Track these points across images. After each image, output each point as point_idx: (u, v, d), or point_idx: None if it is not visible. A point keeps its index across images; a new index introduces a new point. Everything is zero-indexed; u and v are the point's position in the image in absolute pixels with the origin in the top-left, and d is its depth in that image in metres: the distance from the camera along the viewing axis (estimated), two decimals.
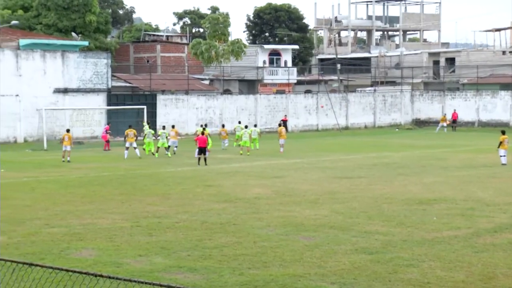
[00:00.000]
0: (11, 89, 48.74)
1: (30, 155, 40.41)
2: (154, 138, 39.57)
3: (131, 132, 38.90)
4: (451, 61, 76.61)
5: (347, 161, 35.45)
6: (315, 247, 15.42)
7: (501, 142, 33.29)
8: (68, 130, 38.24)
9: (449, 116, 63.74)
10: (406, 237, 16.44)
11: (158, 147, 38.75)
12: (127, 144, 38.17)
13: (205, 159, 33.18)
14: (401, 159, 36.21)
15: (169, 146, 38.88)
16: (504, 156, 32.89)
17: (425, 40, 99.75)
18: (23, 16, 63.99)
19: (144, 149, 39.16)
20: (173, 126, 41.95)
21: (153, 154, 38.44)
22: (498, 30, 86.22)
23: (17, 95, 49.19)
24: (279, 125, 45.37)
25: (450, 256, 14.64)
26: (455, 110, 64.80)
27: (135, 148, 38.11)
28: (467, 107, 66.88)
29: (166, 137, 39.87)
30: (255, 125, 49.48)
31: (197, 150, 35.11)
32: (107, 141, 44.02)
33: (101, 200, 22.29)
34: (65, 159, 35.16)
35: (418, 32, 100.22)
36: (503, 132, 34.40)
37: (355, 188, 25.14)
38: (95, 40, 65.16)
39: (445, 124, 60.90)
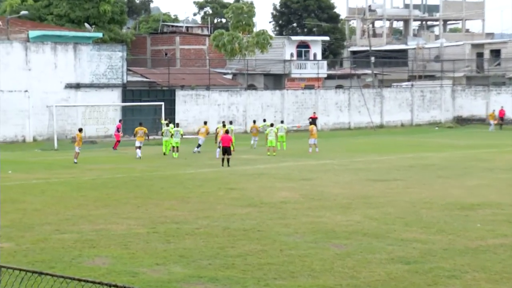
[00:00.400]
0: (19, 84, 49.19)
1: (39, 155, 40.74)
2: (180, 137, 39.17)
3: (141, 130, 39.06)
4: (496, 53, 75.90)
5: (382, 162, 35.25)
6: (347, 256, 15.33)
7: None
8: (80, 130, 38.00)
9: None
10: (447, 246, 16.29)
11: (174, 147, 38.51)
12: (137, 143, 38.36)
13: (228, 160, 33.17)
14: (441, 160, 35.94)
15: (174, 147, 38.31)
16: None
17: (467, 30, 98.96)
18: (33, 6, 64.56)
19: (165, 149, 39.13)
20: (205, 123, 42.62)
21: (170, 153, 38.31)
22: None
23: (26, 91, 49.62)
24: (310, 123, 45.23)
25: (496, 267, 14.46)
26: (502, 107, 64.06)
27: (139, 147, 38.44)
28: None
29: (182, 135, 40.04)
30: (282, 122, 49.21)
31: (218, 150, 35.21)
32: (118, 141, 44.17)
33: (115, 204, 22.37)
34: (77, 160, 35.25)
35: (460, 21, 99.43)
36: None
37: (390, 191, 24.99)
38: (110, 31, 65.53)
39: (493, 122, 60.63)
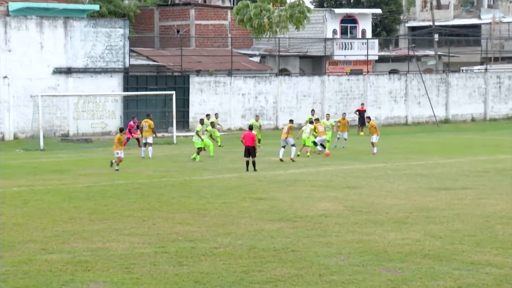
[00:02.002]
0: None
1: (21, 156, 41.12)
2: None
3: (146, 123, 39.44)
4: None
5: (447, 166, 35.11)
6: (403, 283, 15.34)
7: None
8: (121, 130, 36.28)
9: None
10: None
11: (200, 148, 38.11)
12: (143, 140, 38.80)
13: (253, 163, 33.27)
14: None
15: (201, 149, 38.14)
16: None
17: None
18: None
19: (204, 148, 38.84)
20: (291, 121, 41.12)
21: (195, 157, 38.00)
22: None
23: (5, 77, 50.17)
24: (369, 118, 44.71)
25: None
26: None
27: (149, 144, 39.17)
28: None
29: (211, 135, 40.35)
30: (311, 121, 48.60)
31: (282, 150, 36.30)
32: (128, 139, 44.48)
33: (115, 217, 22.52)
34: (113, 166, 34.51)
35: None
36: None
37: (458, 203, 24.91)
38: (109, 3, 65.91)
39: None
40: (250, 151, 33.30)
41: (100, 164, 36.84)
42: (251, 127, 35.52)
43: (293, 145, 37.26)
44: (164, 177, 31.71)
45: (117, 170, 33.63)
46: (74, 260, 17.21)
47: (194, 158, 37.54)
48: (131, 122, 45.03)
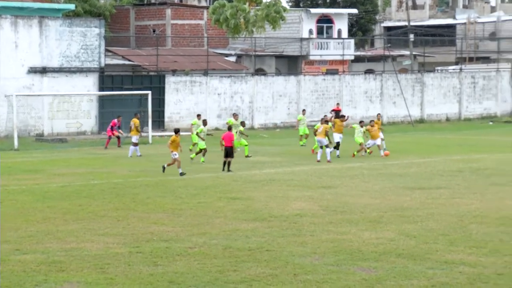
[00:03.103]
0: None
1: None
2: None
3: (132, 123, 40.19)
4: None
5: (422, 165, 35.25)
6: (377, 282, 15.39)
7: None
8: (177, 132, 33.58)
9: None
10: (502, 270, 16.34)
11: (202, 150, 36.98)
12: (132, 139, 39.68)
13: (229, 164, 33.26)
14: (496, 163, 35.94)
15: (201, 150, 37.12)
16: None
17: None
18: None
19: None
20: (325, 122, 39.48)
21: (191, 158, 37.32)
22: None
23: None
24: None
25: None
26: None
27: (133, 144, 39.40)
28: None
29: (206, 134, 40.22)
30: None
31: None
32: (113, 137, 44.53)
33: (90, 218, 22.46)
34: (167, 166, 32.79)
35: None
36: None
37: (432, 202, 25.03)
38: (84, 2, 65.74)
39: None
40: (228, 152, 33.33)
41: (75, 164, 36.71)
42: (230, 128, 35.56)
43: (326, 146, 37.03)
44: (139, 177, 31.65)
45: (182, 173, 31.86)
46: (48, 260, 17.15)
47: (203, 161, 36.76)
48: (115, 120, 45.14)
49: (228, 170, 33.01)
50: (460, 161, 36.92)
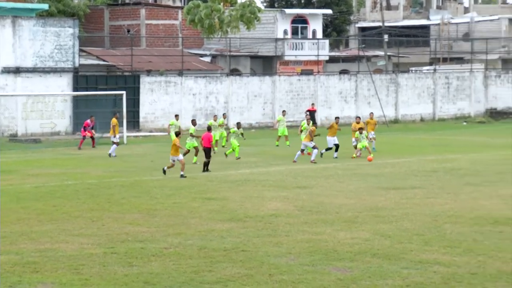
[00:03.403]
0: None
1: None
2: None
3: (112, 123, 40.52)
4: None
5: (397, 166, 35.38)
6: (352, 282, 15.43)
7: None
8: (177, 134, 33.39)
9: None
10: (476, 269, 16.43)
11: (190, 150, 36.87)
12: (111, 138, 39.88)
13: (207, 164, 33.28)
14: (470, 163, 36.13)
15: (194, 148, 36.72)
16: None
17: (504, 2, 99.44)
18: None
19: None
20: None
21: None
22: None
23: None
24: (369, 117, 43.61)
25: None
26: None
27: (113, 142, 39.72)
28: None
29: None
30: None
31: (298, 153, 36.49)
32: (88, 137, 44.47)
33: (64, 218, 22.37)
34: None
35: None
36: None
37: (407, 202, 25.12)
38: (58, 2, 65.47)
39: None
40: (205, 152, 33.36)
41: (49, 164, 36.56)
42: (209, 128, 35.57)
43: (314, 147, 36.96)
44: (114, 177, 31.57)
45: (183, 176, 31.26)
46: (22, 261, 17.06)
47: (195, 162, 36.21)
48: (88, 120, 45.06)
49: (206, 170, 33.03)
50: (434, 161, 37.08)
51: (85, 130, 44.59)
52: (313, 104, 59.03)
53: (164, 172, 31.66)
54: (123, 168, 34.86)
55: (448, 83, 69.11)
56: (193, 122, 39.07)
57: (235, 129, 38.44)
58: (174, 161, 31.56)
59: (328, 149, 38.60)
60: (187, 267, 16.57)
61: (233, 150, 37.73)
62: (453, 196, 26.32)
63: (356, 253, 17.90)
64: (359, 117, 42.33)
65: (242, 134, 38.97)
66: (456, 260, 17.21)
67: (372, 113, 48.41)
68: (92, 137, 44.58)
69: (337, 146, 38.50)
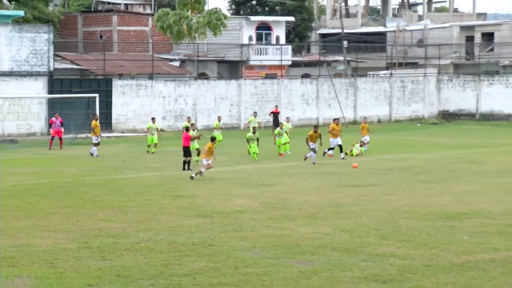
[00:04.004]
0: None
1: None
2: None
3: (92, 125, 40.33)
4: (488, 36, 77.01)
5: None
6: (313, 274, 15.48)
7: None
8: (213, 139, 32.17)
9: None
10: (429, 262, 16.55)
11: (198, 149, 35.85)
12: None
13: (186, 162, 33.29)
14: (423, 162, 36.36)
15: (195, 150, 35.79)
16: None
17: (455, 10, 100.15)
18: None
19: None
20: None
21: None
22: None
23: None
24: (363, 122, 43.02)
25: (485, 285, 14.75)
26: None
27: (94, 144, 39.48)
28: (508, 95, 67.23)
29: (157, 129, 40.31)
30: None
31: (312, 154, 35.54)
32: (52, 138, 44.21)
33: (40, 215, 22.25)
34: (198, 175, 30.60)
35: (447, 0, 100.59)
36: None
37: (365, 199, 25.25)
38: (33, 9, 64.96)
39: None
40: (185, 151, 33.32)
41: (25, 163, 36.32)
42: (187, 129, 35.36)
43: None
44: (88, 176, 31.43)
45: (194, 175, 30.40)
46: None
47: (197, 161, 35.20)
48: (53, 118, 44.98)
49: (188, 169, 32.91)
50: (391, 160, 37.28)
51: (51, 127, 44.64)
52: (276, 106, 59.10)
53: (201, 173, 30.26)
54: (97, 167, 34.70)
55: (404, 86, 69.48)
56: (192, 127, 37.83)
57: (251, 134, 37.65)
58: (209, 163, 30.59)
59: (330, 149, 38.45)
60: (157, 261, 16.55)
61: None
62: (408, 193, 26.49)
63: (317, 247, 17.97)
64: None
65: (257, 139, 38.43)
66: (411, 253, 17.33)
67: (365, 117, 48.52)
68: (60, 138, 44.26)
69: (340, 146, 38.14)
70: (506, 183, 28.90)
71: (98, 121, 41.03)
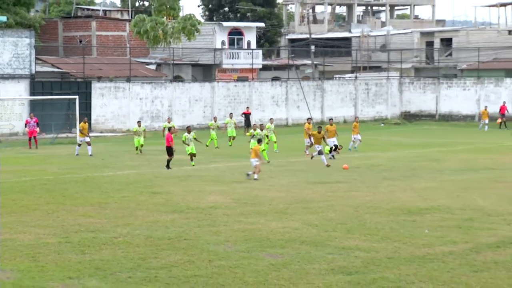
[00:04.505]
0: None
1: None
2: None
3: (81, 127, 39.93)
4: (447, 42, 77.49)
5: (322, 162, 35.61)
6: (283, 267, 15.50)
7: None
8: (259, 141, 32.53)
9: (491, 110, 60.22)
10: (392, 254, 16.62)
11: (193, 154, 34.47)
12: (81, 140, 39.37)
13: (168, 161, 33.25)
14: (387, 160, 36.51)
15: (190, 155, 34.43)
16: None
17: (416, 17, 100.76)
18: None
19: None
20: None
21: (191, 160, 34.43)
22: (504, 5, 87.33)
23: None
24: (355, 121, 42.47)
25: (444, 276, 14.83)
26: (504, 102, 61.83)
27: (88, 143, 39.13)
28: (466, 97, 67.69)
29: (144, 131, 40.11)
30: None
31: (321, 155, 34.36)
32: (29, 139, 43.92)
33: (22, 211, 22.09)
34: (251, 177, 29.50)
35: (408, 7, 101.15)
36: None
37: (331, 195, 25.30)
38: (15, 15, 64.45)
39: (486, 121, 57.68)
40: (167, 150, 33.26)
41: (8, 162, 36.00)
42: (169, 129, 35.21)
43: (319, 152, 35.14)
44: (68, 174, 31.25)
45: (256, 179, 29.28)
46: None
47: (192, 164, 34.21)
48: (28, 118, 44.84)
49: (167, 167, 32.82)
50: (356, 158, 37.37)
51: (26, 127, 44.53)
52: (248, 107, 59.17)
53: (252, 174, 29.48)
54: (77, 166, 34.53)
55: (368, 89, 69.75)
56: (188, 130, 35.34)
57: (258, 130, 37.11)
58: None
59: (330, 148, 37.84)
60: (134, 254, 16.49)
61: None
62: (372, 190, 26.59)
63: (287, 240, 17.99)
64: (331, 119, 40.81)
65: (267, 136, 38.11)
66: (375, 246, 17.40)
67: (357, 117, 48.43)
68: (34, 137, 43.95)
69: (335, 146, 37.70)
70: (464, 179, 29.10)
71: (86, 123, 40.31)
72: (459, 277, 14.77)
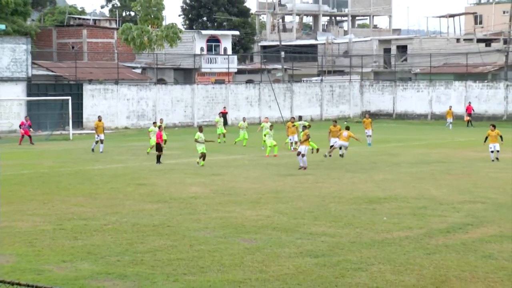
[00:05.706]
0: None
1: None
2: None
3: (97, 125, 38.09)
4: (402, 49, 77.87)
5: (293, 156, 35.55)
6: (257, 251, 15.50)
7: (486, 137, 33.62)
8: (159, 128, 33.32)
9: (456, 110, 60.68)
10: (355, 239, 16.67)
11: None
12: (98, 137, 37.65)
13: (158, 157, 33.06)
14: (349, 154, 36.59)
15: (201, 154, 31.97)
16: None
17: (375, 26, 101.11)
18: None
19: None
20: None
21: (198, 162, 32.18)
22: (452, 16, 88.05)
23: None
24: (365, 117, 41.17)
25: (401, 258, 14.90)
26: (470, 103, 62.03)
27: (101, 141, 37.67)
28: (419, 98, 68.09)
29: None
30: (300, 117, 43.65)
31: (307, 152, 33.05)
32: (24, 136, 43.68)
33: (20, 201, 21.93)
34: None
35: (368, 17, 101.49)
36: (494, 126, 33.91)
37: (300, 186, 25.33)
38: (13, 23, 63.98)
39: (451, 120, 57.51)
40: (157, 147, 33.09)
41: (7, 157, 35.70)
42: (159, 127, 34.72)
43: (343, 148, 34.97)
44: (62, 167, 31.04)
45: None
46: None
47: (199, 163, 31.97)
48: (23, 120, 44.63)
49: (157, 162, 32.51)
50: (322, 153, 37.38)
51: (20, 128, 44.31)
52: (224, 107, 59.15)
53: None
54: (70, 160, 34.31)
55: (332, 90, 69.93)
56: (200, 129, 33.20)
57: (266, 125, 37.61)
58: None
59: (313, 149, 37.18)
60: (123, 240, 16.42)
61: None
62: (337, 181, 26.66)
63: (260, 227, 17.99)
64: (335, 121, 39.71)
65: (271, 126, 37.93)
66: (339, 232, 17.45)
67: (367, 113, 48.02)
68: (29, 136, 43.70)
69: (317, 149, 36.85)
70: (419, 171, 29.26)
71: (101, 121, 38.39)
72: (414, 259, 14.85)
